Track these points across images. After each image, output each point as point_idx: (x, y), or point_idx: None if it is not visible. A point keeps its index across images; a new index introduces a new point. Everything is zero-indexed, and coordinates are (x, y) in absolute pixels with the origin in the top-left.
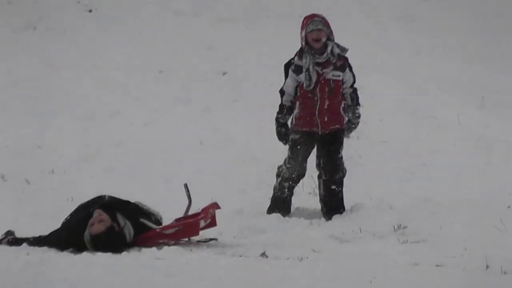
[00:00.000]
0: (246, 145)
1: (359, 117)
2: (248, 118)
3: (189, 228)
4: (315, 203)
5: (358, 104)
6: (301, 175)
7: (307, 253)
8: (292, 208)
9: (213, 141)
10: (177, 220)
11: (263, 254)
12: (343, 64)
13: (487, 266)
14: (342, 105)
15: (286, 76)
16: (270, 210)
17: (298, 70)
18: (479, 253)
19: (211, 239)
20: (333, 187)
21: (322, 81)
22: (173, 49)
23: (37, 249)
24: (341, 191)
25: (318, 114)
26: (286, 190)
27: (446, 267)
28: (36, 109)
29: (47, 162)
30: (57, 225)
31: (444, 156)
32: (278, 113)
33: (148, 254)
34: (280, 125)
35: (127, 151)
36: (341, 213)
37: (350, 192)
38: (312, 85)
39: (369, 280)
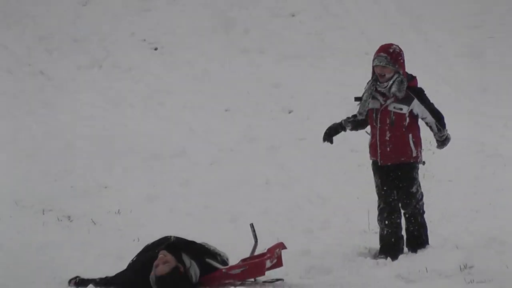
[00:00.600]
0: (312, 185)
1: (445, 139)
2: (314, 157)
3: (255, 268)
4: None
5: (439, 130)
6: (389, 204)
7: None
8: (358, 247)
9: (279, 180)
10: (243, 260)
11: None
12: (408, 97)
13: None
14: (411, 138)
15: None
16: (380, 253)
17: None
18: None
19: (277, 280)
20: (411, 218)
21: (383, 112)
22: (239, 87)
23: None
24: (421, 224)
25: (379, 145)
26: (385, 228)
27: None
28: (102, 148)
29: (113, 202)
30: (123, 266)
31: (510, 195)
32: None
33: None
34: (336, 124)
35: (193, 190)
36: (424, 246)
37: None
38: (364, 114)
39: None
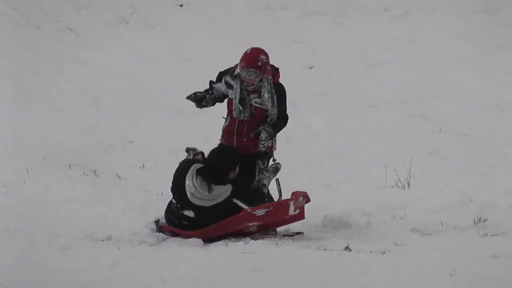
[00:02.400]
0: (331, 140)
1: (270, 134)
2: (333, 113)
3: (279, 209)
4: (399, 196)
5: (273, 128)
6: None
7: (390, 247)
8: (375, 202)
9: (299, 136)
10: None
11: (347, 248)
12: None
13: None
14: None
15: (219, 79)
16: None
17: (229, 86)
18: None
19: (296, 233)
20: None
21: None
22: (262, 43)
23: (127, 244)
24: None
25: (236, 136)
26: None
27: None
28: (128, 104)
29: (138, 157)
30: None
31: None
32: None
33: (234, 248)
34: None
35: (215, 145)
36: None
37: (430, 184)
38: (242, 116)
39: (449, 273)
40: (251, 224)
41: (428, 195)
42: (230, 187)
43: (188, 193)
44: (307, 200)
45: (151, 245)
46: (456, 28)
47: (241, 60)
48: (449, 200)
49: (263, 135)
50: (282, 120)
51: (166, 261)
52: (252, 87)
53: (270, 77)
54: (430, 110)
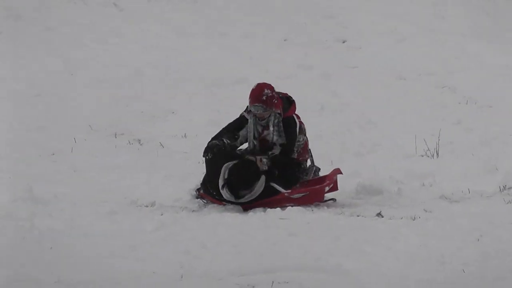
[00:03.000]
0: (362, 110)
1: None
2: (364, 84)
3: (315, 194)
4: (428, 165)
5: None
6: None
7: (419, 213)
8: (405, 170)
9: (331, 106)
10: (303, 185)
11: (379, 214)
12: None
13: None
14: None
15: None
16: None
17: (246, 121)
18: None
19: (330, 199)
20: None
21: (262, 140)
22: (296, 18)
23: (170, 210)
24: None
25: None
26: None
27: None
28: (168, 76)
29: (179, 127)
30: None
31: None
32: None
33: (272, 214)
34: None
35: None
36: None
37: (458, 153)
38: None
39: (476, 238)
40: (288, 205)
41: (456, 164)
42: (264, 178)
43: (223, 195)
44: (340, 173)
45: (192, 211)
46: (479, 4)
47: (249, 97)
48: (475, 168)
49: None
50: (283, 156)
51: (207, 227)
52: (264, 121)
53: (278, 111)
54: (456, 82)
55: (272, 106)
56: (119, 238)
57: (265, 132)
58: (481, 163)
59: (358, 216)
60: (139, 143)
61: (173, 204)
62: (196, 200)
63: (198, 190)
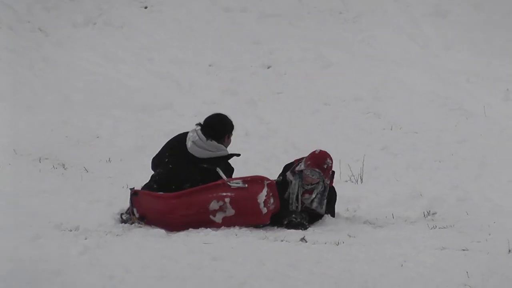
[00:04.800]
0: (288, 136)
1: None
2: (290, 110)
3: (254, 184)
4: (353, 190)
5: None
6: None
7: (343, 238)
8: None
9: (257, 132)
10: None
11: (303, 239)
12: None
13: (509, 250)
14: None
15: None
16: None
17: (290, 182)
18: (502, 238)
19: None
20: None
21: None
22: (222, 44)
23: (94, 234)
24: None
25: None
26: None
27: (472, 251)
28: (95, 101)
29: (104, 152)
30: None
31: (471, 146)
32: None
33: (196, 238)
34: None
35: None
36: None
37: (382, 179)
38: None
39: (400, 263)
40: (224, 194)
41: (380, 189)
42: (226, 153)
43: (189, 144)
44: (277, 206)
45: (117, 235)
46: (406, 31)
47: (308, 159)
48: (400, 194)
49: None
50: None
51: (131, 251)
52: (310, 186)
53: (328, 182)
54: (382, 108)
55: (326, 176)
56: (44, 263)
57: (306, 196)
58: (405, 188)
59: (282, 241)
60: (64, 167)
61: (98, 228)
62: (121, 224)
63: (122, 214)
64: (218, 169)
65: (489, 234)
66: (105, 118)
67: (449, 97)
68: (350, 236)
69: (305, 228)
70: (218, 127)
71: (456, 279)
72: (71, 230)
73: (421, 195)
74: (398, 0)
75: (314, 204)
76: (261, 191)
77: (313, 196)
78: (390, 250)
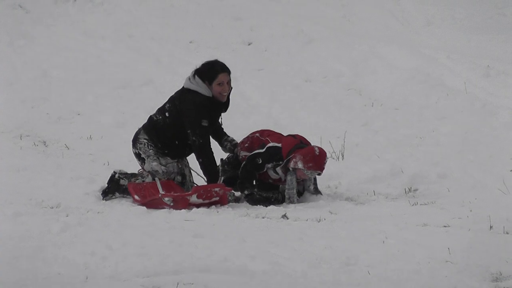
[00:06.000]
0: (269, 112)
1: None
2: (271, 86)
3: (178, 203)
4: (334, 167)
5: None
6: None
7: (325, 215)
8: None
9: (239, 109)
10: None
11: (284, 216)
12: None
13: (491, 227)
14: None
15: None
16: None
17: (275, 172)
18: (483, 214)
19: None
20: None
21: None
22: (203, 21)
23: (75, 211)
24: None
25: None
26: None
27: (453, 228)
28: (75, 77)
29: (85, 129)
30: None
31: (452, 122)
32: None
33: (177, 216)
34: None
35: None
36: None
37: (363, 156)
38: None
39: (381, 240)
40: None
41: (361, 166)
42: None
43: None
44: (226, 189)
45: (98, 212)
46: (388, 7)
47: (309, 161)
48: (381, 170)
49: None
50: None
51: (112, 228)
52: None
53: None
54: (363, 85)
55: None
56: (25, 239)
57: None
58: (386, 165)
59: (263, 218)
60: (45, 144)
61: (79, 205)
62: (102, 201)
63: (104, 192)
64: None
65: (470, 211)
66: (86, 95)
67: (430, 73)
68: (331, 213)
69: (268, 204)
70: (202, 67)
71: (438, 255)
72: (52, 207)
73: (402, 171)
74: None
75: (312, 188)
76: (187, 205)
77: (311, 187)
78: (371, 226)
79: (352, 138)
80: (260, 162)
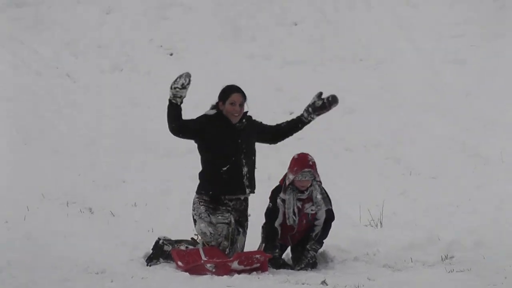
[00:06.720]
0: None
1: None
2: (311, 155)
3: (220, 269)
4: (372, 234)
5: (319, 243)
6: None
7: (363, 281)
8: (350, 239)
9: (280, 176)
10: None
11: (324, 282)
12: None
13: None
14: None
15: (274, 200)
16: None
17: (283, 201)
18: None
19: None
20: None
21: (302, 214)
22: (245, 90)
23: (120, 277)
24: None
25: (291, 239)
26: None
27: None
28: (121, 145)
29: (130, 196)
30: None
31: (488, 191)
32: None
33: (219, 282)
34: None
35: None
36: None
37: (401, 223)
38: (296, 224)
39: None
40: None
41: (399, 234)
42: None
43: None
44: (267, 256)
45: (142, 278)
46: (426, 77)
47: (293, 166)
48: (418, 238)
49: (307, 262)
50: (329, 224)
51: None
52: (305, 194)
53: (318, 177)
54: (401, 153)
55: (316, 173)
56: None
57: (306, 206)
58: (424, 232)
59: (303, 284)
60: (90, 211)
61: (124, 271)
62: (146, 267)
63: (149, 258)
64: (199, 246)
65: (505, 278)
66: (131, 163)
67: (467, 143)
68: (369, 279)
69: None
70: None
71: None
72: (97, 273)
73: (439, 239)
74: (418, 47)
75: (323, 206)
76: (228, 271)
77: (319, 197)
78: None
79: (390, 206)
80: (271, 205)
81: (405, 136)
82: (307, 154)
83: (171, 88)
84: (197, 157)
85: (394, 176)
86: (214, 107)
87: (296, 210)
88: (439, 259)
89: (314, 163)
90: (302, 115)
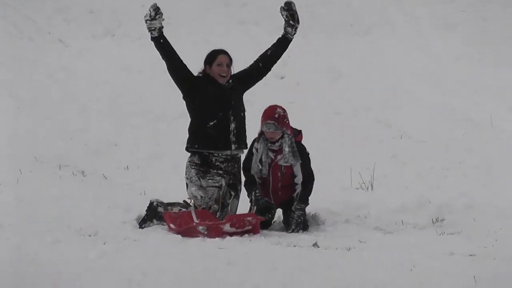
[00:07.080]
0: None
1: (302, 213)
2: (302, 119)
3: (212, 231)
4: (363, 197)
5: (303, 202)
6: None
7: (354, 244)
8: (341, 202)
9: None
10: (228, 219)
11: (315, 244)
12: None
13: None
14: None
15: (250, 149)
16: None
17: (257, 151)
18: (509, 243)
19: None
20: None
21: (274, 166)
22: (236, 56)
23: (112, 239)
24: None
25: (272, 194)
26: None
27: (479, 257)
28: (113, 110)
29: (122, 159)
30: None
31: (478, 154)
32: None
33: (211, 244)
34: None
35: None
36: None
37: (392, 186)
38: (266, 172)
39: (409, 268)
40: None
41: (390, 196)
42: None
43: None
44: (258, 218)
45: (134, 240)
46: (416, 43)
47: (262, 117)
48: (409, 201)
49: (295, 222)
50: (308, 183)
51: (148, 255)
52: (276, 145)
53: (290, 133)
54: (392, 118)
55: (283, 126)
56: (63, 266)
57: (278, 157)
58: (414, 196)
59: (294, 246)
60: (83, 174)
61: (116, 233)
62: (139, 230)
63: (143, 219)
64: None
65: (496, 240)
66: (123, 127)
67: (456, 107)
68: (360, 241)
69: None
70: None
71: (464, 283)
72: (90, 235)
73: (429, 202)
74: (407, 13)
75: (290, 159)
76: (220, 233)
77: (286, 150)
78: (399, 255)
79: (381, 169)
80: (247, 153)
81: (395, 101)
82: (276, 107)
83: (145, 23)
84: (187, 121)
85: (384, 140)
86: (201, 73)
87: (264, 159)
88: (429, 221)
89: (282, 115)
90: (286, 32)
